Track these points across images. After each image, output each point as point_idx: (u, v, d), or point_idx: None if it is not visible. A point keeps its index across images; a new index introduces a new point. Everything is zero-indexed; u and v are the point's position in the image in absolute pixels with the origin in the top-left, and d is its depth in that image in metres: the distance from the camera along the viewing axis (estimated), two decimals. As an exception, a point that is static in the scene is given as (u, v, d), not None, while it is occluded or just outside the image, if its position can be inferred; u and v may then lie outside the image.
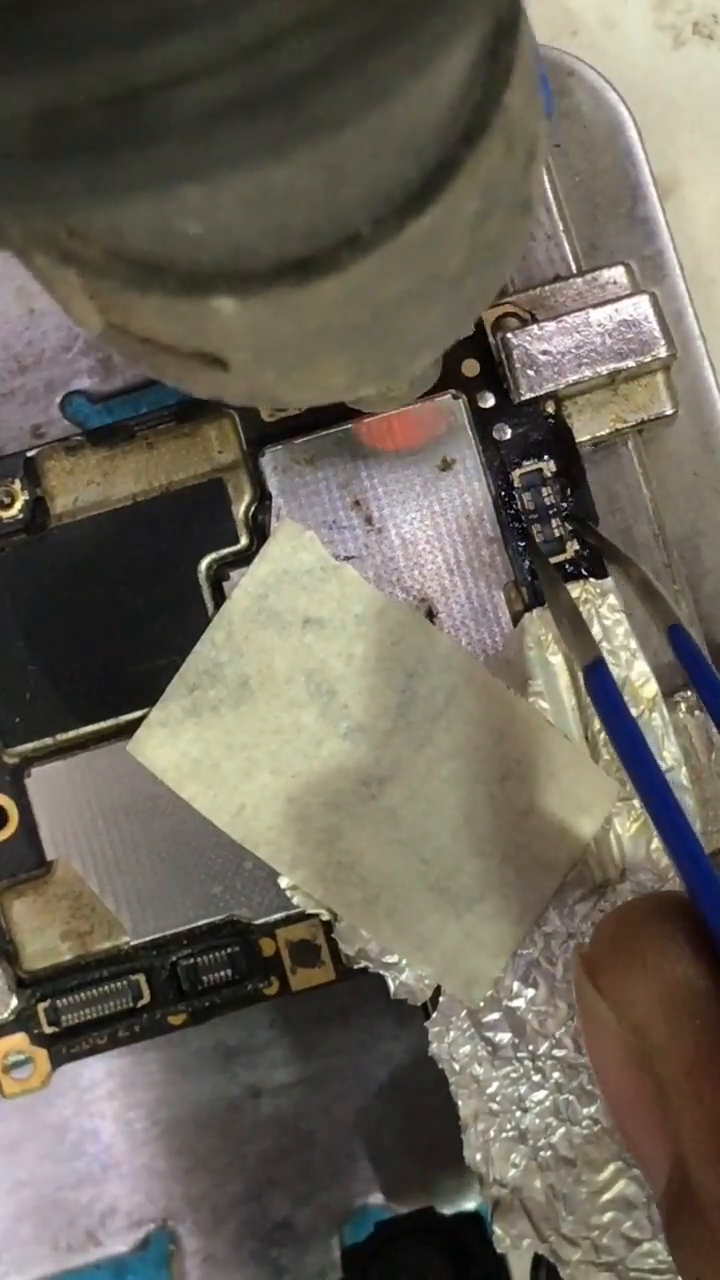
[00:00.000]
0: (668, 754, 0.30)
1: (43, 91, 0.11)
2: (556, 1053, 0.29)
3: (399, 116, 0.16)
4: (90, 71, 0.11)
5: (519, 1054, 0.30)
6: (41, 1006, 0.32)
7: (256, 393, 0.21)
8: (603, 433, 0.32)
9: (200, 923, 0.32)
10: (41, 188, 0.12)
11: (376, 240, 0.17)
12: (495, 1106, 0.30)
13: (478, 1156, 0.30)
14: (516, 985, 0.30)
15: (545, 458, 0.31)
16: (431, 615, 0.31)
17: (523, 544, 0.31)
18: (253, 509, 0.32)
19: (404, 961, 0.30)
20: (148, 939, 0.32)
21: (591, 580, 0.30)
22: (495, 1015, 0.30)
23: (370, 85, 0.12)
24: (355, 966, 0.31)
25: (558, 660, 0.30)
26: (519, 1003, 0.30)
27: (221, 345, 0.19)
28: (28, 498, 0.32)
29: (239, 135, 0.12)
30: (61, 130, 0.12)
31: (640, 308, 0.31)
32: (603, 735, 0.30)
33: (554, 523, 0.31)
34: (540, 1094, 0.30)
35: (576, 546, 0.31)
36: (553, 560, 0.31)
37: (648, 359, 0.31)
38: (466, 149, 0.17)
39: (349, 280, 0.18)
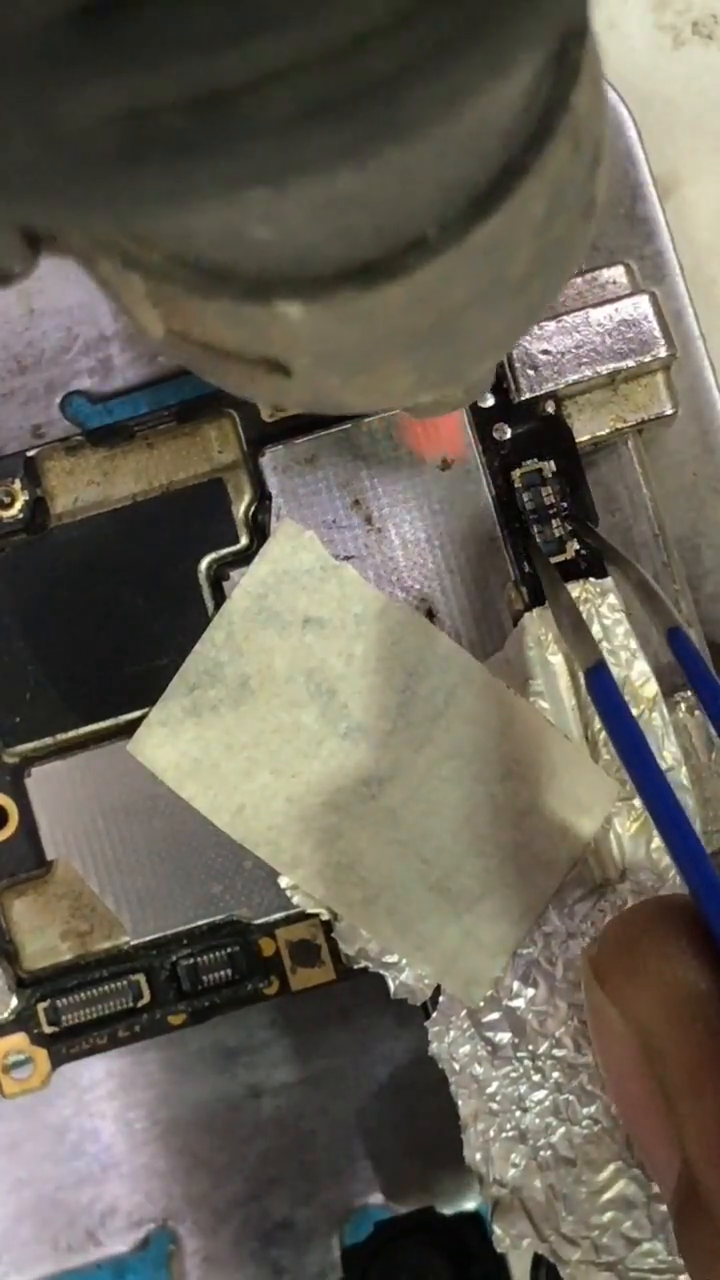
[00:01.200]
0: (668, 754, 0.30)
1: (127, 94, 0.11)
2: (556, 1052, 0.29)
3: (470, 119, 0.16)
4: (177, 73, 0.11)
5: (519, 1054, 0.30)
6: (41, 1006, 0.32)
7: (319, 398, 0.21)
8: (603, 433, 0.32)
9: (200, 922, 0.32)
10: (122, 190, 0.12)
11: (443, 244, 0.17)
12: (495, 1106, 0.30)
13: (477, 1156, 0.30)
14: (516, 985, 0.30)
15: (545, 458, 0.31)
16: (431, 615, 0.31)
17: (523, 544, 0.31)
18: (253, 509, 0.32)
19: (404, 961, 0.30)
20: (148, 939, 0.32)
21: (591, 580, 0.30)
22: (495, 1015, 0.30)
23: (453, 88, 0.12)
24: (355, 966, 0.31)
25: (558, 660, 0.30)
26: (519, 1002, 0.30)
27: (285, 351, 0.19)
28: (28, 498, 0.32)
29: (321, 139, 0.12)
30: (145, 132, 0.12)
31: (640, 307, 0.31)
32: (603, 735, 0.30)
33: (554, 523, 0.31)
34: (540, 1094, 0.29)
35: (577, 546, 0.31)
36: (553, 560, 0.31)
37: (647, 359, 0.31)
38: (534, 152, 0.17)
39: (415, 285, 0.18)
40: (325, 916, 0.30)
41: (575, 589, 0.30)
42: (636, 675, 0.30)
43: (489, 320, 0.20)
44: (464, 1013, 0.30)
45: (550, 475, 0.31)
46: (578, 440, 0.31)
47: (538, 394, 0.31)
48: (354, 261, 0.17)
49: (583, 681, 0.29)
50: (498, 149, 0.17)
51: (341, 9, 0.11)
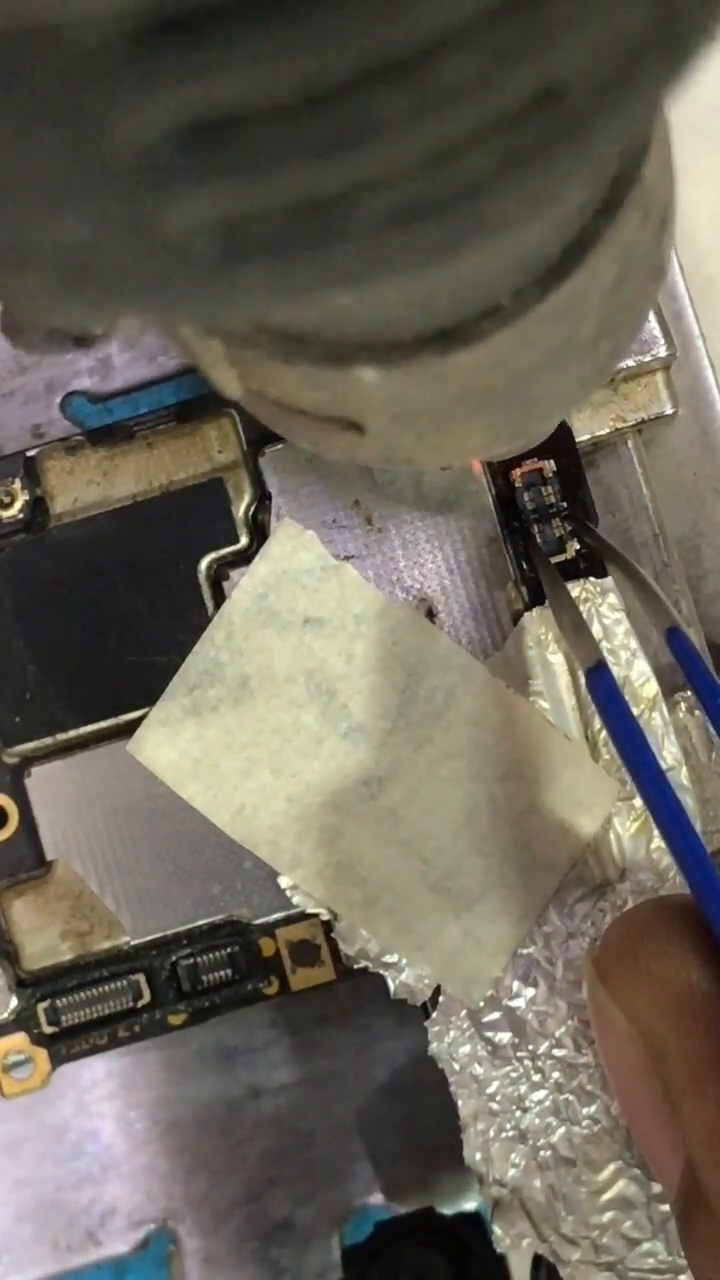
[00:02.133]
0: (668, 754, 0.30)
1: (230, 202, 0.11)
2: (556, 1052, 0.29)
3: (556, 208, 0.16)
4: (277, 184, 0.11)
5: (519, 1053, 0.30)
6: (41, 1006, 0.32)
7: (392, 454, 0.22)
8: (602, 432, 0.32)
9: (200, 922, 0.32)
10: (220, 291, 0.13)
11: (518, 311, 0.18)
12: (495, 1106, 0.30)
13: (477, 1156, 0.30)
14: (516, 985, 0.30)
15: (545, 457, 0.31)
16: (431, 615, 0.31)
17: (523, 543, 0.31)
18: (253, 508, 0.32)
19: (404, 961, 0.30)
20: (147, 939, 0.32)
21: (592, 579, 0.30)
22: (495, 1015, 0.30)
23: (540, 190, 0.12)
24: (355, 966, 0.31)
25: (558, 659, 0.30)
26: (519, 1002, 0.30)
27: (360, 411, 0.20)
28: (28, 497, 0.32)
29: (415, 240, 0.12)
30: (245, 237, 0.12)
31: (640, 307, 0.31)
32: (603, 734, 0.30)
33: (554, 522, 0.31)
34: (540, 1094, 0.29)
35: (577, 546, 0.31)
36: (553, 560, 0.31)
37: (647, 358, 0.31)
38: (605, 221, 0.18)
39: (489, 349, 0.18)
40: (325, 916, 0.30)
41: (575, 588, 0.30)
42: (636, 675, 0.30)
43: (559, 380, 0.21)
44: (464, 1012, 0.30)
45: (550, 475, 0.31)
46: (577, 440, 0.31)
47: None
48: (430, 329, 0.18)
49: (583, 681, 0.29)
50: (572, 221, 0.17)
51: (437, 122, 0.11)
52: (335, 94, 0.11)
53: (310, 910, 0.30)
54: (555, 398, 0.22)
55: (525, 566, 0.31)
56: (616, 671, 0.29)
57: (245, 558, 0.32)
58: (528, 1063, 0.30)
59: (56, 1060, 0.32)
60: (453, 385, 0.19)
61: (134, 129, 0.11)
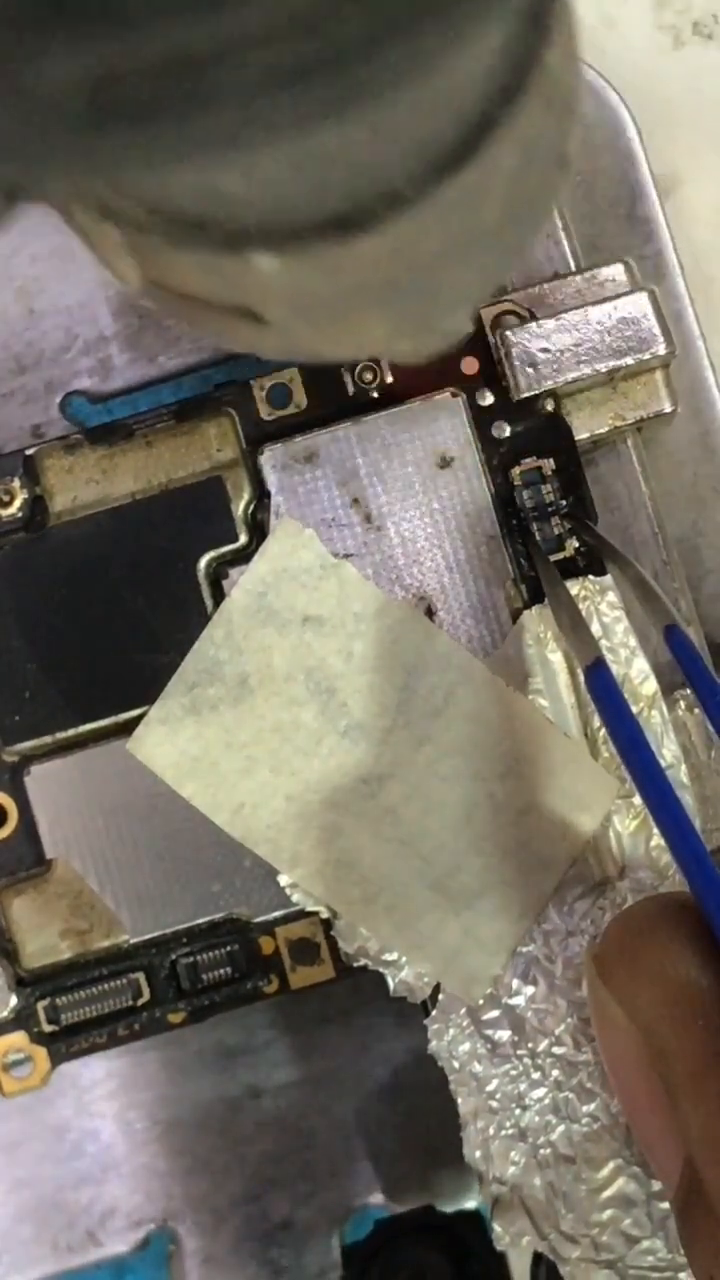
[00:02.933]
0: (667, 751, 0.30)
1: (98, 59, 0.11)
2: (556, 1050, 0.29)
3: (440, 79, 0.16)
4: (146, 40, 0.11)
5: (518, 1051, 0.30)
6: (41, 1005, 0.32)
7: (293, 347, 0.21)
8: (602, 430, 0.32)
9: (200, 921, 0.32)
10: (92, 152, 0.12)
11: (415, 197, 0.17)
12: (495, 1104, 0.30)
13: (477, 1154, 0.30)
14: (516, 983, 0.30)
15: (544, 456, 0.31)
16: (430, 613, 0.31)
17: (522, 542, 0.31)
18: (252, 507, 0.32)
19: (403, 959, 0.30)
20: (147, 937, 0.32)
21: (591, 577, 0.30)
22: (495, 1013, 0.30)
23: (418, 53, 0.12)
24: (354, 964, 0.31)
25: (557, 658, 0.30)
26: (518, 1000, 0.30)
27: (260, 301, 0.19)
28: (26, 496, 0.32)
29: (289, 104, 0.12)
30: (115, 97, 0.12)
31: (639, 305, 0.31)
32: (602, 732, 0.30)
33: (553, 520, 0.31)
34: (540, 1091, 0.29)
35: (575, 544, 0.31)
36: (552, 558, 0.31)
37: (646, 356, 0.31)
38: (505, 107, 0.17)
39: (387, 236, 0.18)
40: (325, 914, 0.30)
41: (575, 586, 0.30)
42: (636, 673, 0.30)
43: (461, 271, 0.20)
44: (463, 1010, 0.30)
45: (550, 473, 0.31)
46: (577, 438, 0.31)
47: (537, 392, 0.31)
48: (327, 214, 0.17)
49: (582, 679, 0.29)
50: (469, 105, 0.17)
51: None
52: None
53: (310, 908, 0.30)
54: (458, 289, 0.22)
55: (524, 564, 0.31)
56: (615, 669, 0.29)
57: (244, 556, 0.32)
58: (527, 1060, 0.30)
59: (56, 1059, 0.32)
60: (352, 274, 0.19)
61: None
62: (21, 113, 0.12)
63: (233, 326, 0.20)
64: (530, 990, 0.30)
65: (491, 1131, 0.30)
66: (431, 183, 0.17)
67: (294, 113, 0.12)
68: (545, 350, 0.31)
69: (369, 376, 0.32)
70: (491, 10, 0.12)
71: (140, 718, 0.31)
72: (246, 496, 0.32)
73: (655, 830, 0.30)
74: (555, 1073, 0.29)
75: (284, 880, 0.30)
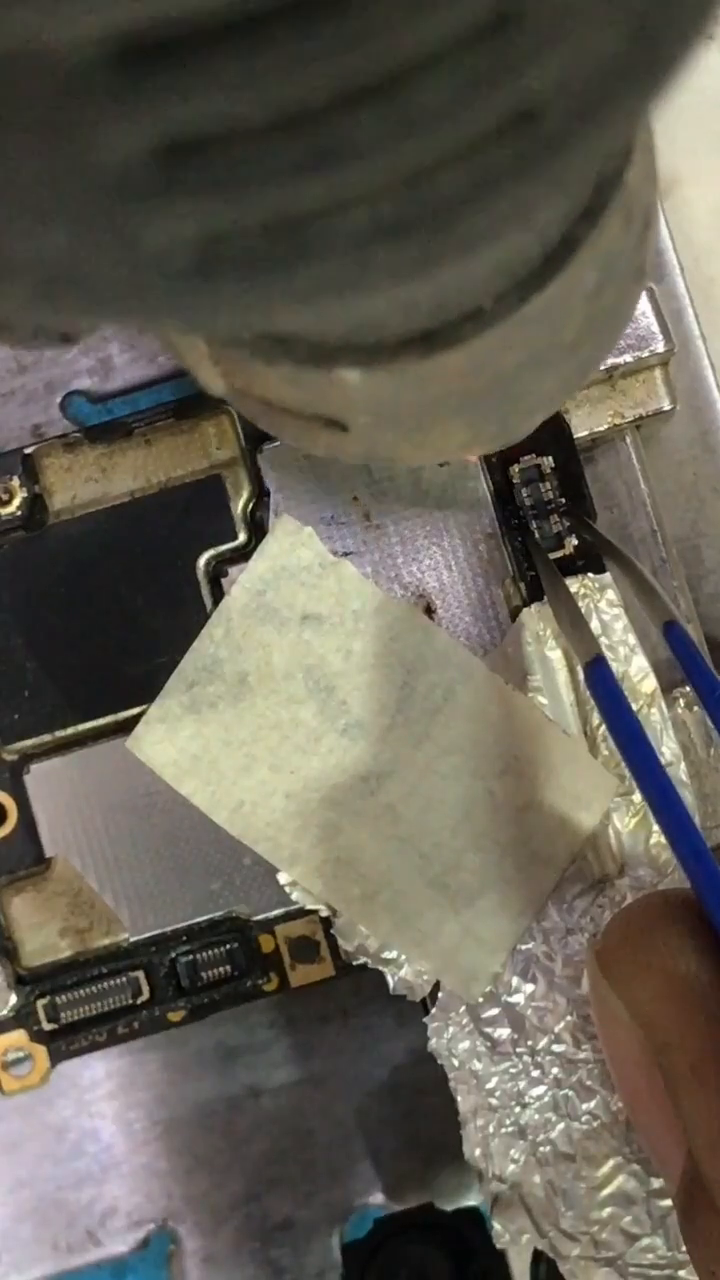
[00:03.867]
0: (667, 749, 0.30)
1: (208, 219, 0.12)
2: (555, 1048, 0.29)
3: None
4: (255, 203, 0.11)
5: (518, 1049, 0.30)
6: (40, 1003, 0.32)
7: (374, 453, 0.22)
8: (600, 428, 0.32)
9: (199, 919, 0.32)
10: (198, 304, 0.13)
11: (499, 314, 0.18)
12: (494, 1102, 0.30)
13: (477, 1152, 0.30)
14: (515, 981, 0.30)
15: (543, 454, 0.31)
16: (430, 611, 0.31)
17: (521, 539, 0.31)
18: (251, 505, 0.32)
19: (403, 957, 0.30)
20: (147, 935, 0.32)
21: (590, 575, 0.30)
22: (494, 1011, 0.30)
23: (514, 208, 0.13)
24: (354, 962, 0.30)
25: (556, 655, 0.30)
26: (518, 998, 0.30)
27: (343, 411, 0.20)
28: (26, 494, 0.32)
29: (389, 257, 0.12)
30: (222, 252, 0.12)
31: (638, 303, 0.31)
32: (602, 730, 0.30)
33: (552, 518, 0.31)
34: (539, 1089, 0.29)
35: (575, 542, 0.31)
36: (551, 556, 0.31)
37: (645, 354, 0.31)
38: (588, 227, 0.18)
39: (470, 352, 0.18)
40: (324, 913, 0.30)
41: (574, 584, 0.30)
42: (635, 671, 0.30)
43: (540, 381, 0.21)
44: (463, 1008, 0.30)
45: (549, 470, 0.31)
46: (576, 436, 0.31)
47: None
48: (413, 331, 0.18)
49: (581, 676, 0.29)
50: (553, 226, 0.18)
51: (411, 144, 0.11)
52: (312, 117, 0.11)
53: (309, 906, 0.30)
54: (537, 398, 0.22)
55: (523, 562, 0.31)
56: (615, 667, 0.29)
57: (244, 554, 0.32)
58: (527, 1058, 0.30)
59: (56, 1057, 0.32)
60: (434, 386, 0.19)
61: (115, 147, 0.11)
62: (132, 269, 0.12)
63: (315, 433, 0.21)
64: (530, 988, 0.30)
65: (491, 1129, 0.30)
66: (514, 301, 0.18)
67: (395, 265, 0.13)
68: (544, 348, 0.31)
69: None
70: (586, 164, 0.13)
71: (139, 716, 0.31)
72: (246, 495, 0.32)
73: (655, 827, 0.30)
74: (555, 1070, 0.29)
75: (283, 878, 0.30)
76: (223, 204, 0.11)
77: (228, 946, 0.32)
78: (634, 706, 0.29)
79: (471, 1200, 0.35)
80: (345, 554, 0.31)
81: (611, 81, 0.12)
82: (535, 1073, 0.29)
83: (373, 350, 0.18)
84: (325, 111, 0.11)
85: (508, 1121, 0.29)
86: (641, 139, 0.18)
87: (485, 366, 0.19)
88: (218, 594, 0.32)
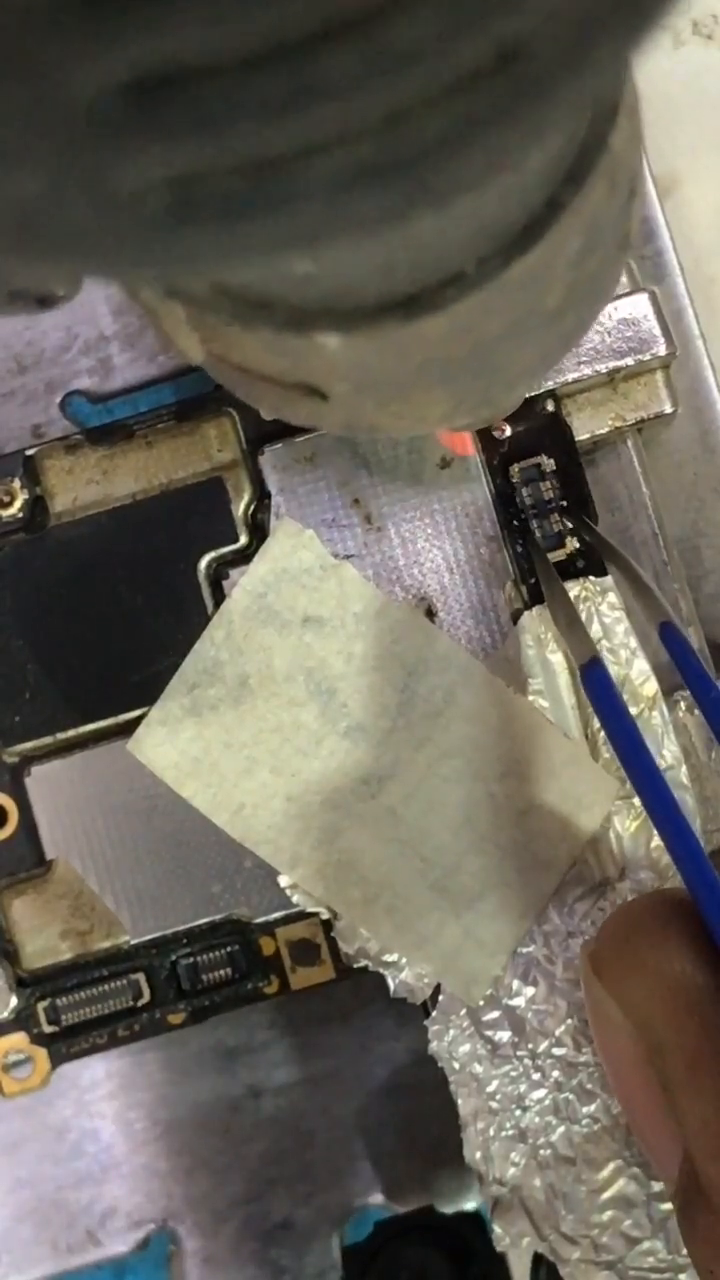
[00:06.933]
0: (667, 752, 0.30)
1: (180, 160, 0.11)
2: (556, 1051, 0.29)
3: (509, 175, 0.16)
4: (229, 142, 0.11)
5: (518, 1052, 0.30)
6: (41, 1005, 0.32)
7: (354, 422, 0.21)
8: (602, 431, 0.32)
9: (200, 921, 0.32)
10: (172, 250, 0.13)
11: (481, 279, 0.18)
12: (495, 1105, 0.30)
13: (477, 1155, 0.30)
14: (516, 984, 0.30)
15: (544, 456, 0.31)
16: (431, 614, 0.31)
17: (522, 542, 0.31)
18: (252, 508, 0.32)
19: (403, 960, 0.30)
20: (147, 938, 0.32)
21: (591, 578, 0.30)
22: (495, 1014, 0.30)
23: (494, 154, 0.12)
24: (355, 965, 0.31)
25: (557, 658, 0.30)
26: (518, 1001, 0.30)
27: (323, 378, 0.20)
28: (27, 496, 0.32)
29: (368, 202, 0.12)
30: (195, 195, 0.12)
31: (639, 306, 0.31)
32: (602, 733, 0.30)
33: (553, 520, 0.31)
34: (540, 1092, 0.29)
35: (576, 544, 0.31)
36: (552, 556, 0.31)
37: (647, 357, 0.31)
38: (571, 190, 0.18)
39: (451, 317, 0.18)
40: (325, 915, 0.30)
41: (575, 587, 0.30)
42: (636, 674, 0.30)
43: (523, 350, 0.21)
44: (464, 1011, 0.30)
45: (550, 473, 0.31)
46: (577, 439, 0.31)
47: (537, 392, 0.31)
48: (393, 295, 0.17)
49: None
50: (536, 189, 0.17)
51: (391, 83, 0.11)
52: (286, 53, 0.10)
53: (310, 909, 0.30)
54: (519, 368, 0.22)
55: (524, 565, 0.31)
56: (616, 670, 0.29)
57: (245, 557, 0.32)
58: (527, 1061, 0.30)
59: (56, 1059, 0.32)
60: (415, 353, 0.19)
61: (83, 83, 0.10)
62: (105, 212, 0.12)
63: (295, 401, 0.21)
64: (530, 991, 0.30)
65: (492, 1132, 0.30)
66: (496, 265, 0.18)
67: (372, 212, 0.12)
68: (545, 351, 0.31)
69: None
70: (562, 114, 0.12)
71: (140, 718, 0.31)
72: (247, 497, 0.32)
73: (656, 831, 0.30)
74: (555, 1074, 0.29)
75: (284, 881, 0.30)
76: (194, 144, 0.11)
77: (228, 949, 0.32)
78: (635, 710, 0.29)
79: (472, 1203, 0.35)
80: (346, 556, 0.31)
81: (598, 21, 0.11)
82: (536, 1076, 0.30)
83: (353, 314, 0.18)
84: (301, 47, 0.10)
85: (508, 1124, 0.30)
86: (627, 103, 0.18)
87: (467, 333, 0.19)
88: (219, 596, 0.32)
